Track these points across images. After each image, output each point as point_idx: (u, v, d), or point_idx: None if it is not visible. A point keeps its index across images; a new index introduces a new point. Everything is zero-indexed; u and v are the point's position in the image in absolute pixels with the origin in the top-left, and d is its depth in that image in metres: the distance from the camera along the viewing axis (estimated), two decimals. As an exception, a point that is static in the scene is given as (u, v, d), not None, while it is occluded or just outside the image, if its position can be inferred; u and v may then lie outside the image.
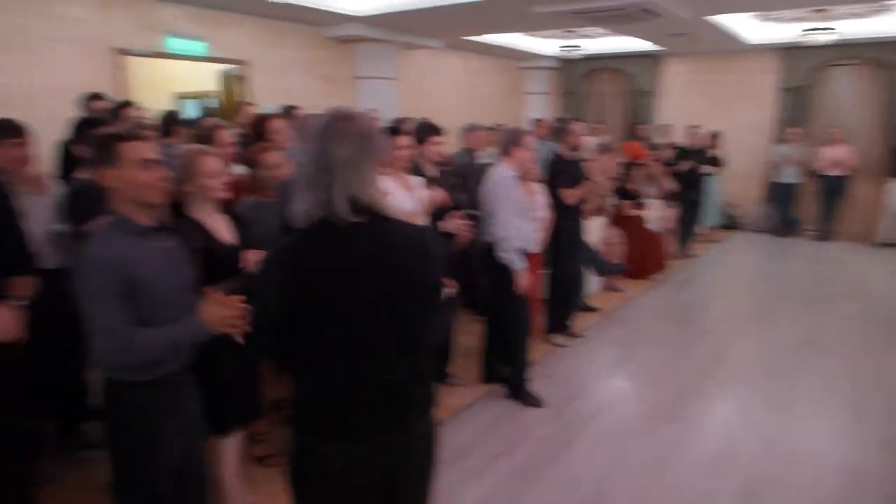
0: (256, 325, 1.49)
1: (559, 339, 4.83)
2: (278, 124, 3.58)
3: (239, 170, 3.30)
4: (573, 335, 4.93)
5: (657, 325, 5.44)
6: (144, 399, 1.81)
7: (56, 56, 5.23)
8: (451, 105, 9.72)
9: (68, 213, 2.76)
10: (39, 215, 2.75)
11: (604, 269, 5.86)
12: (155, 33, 5.93)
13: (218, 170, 2.27)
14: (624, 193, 6.31)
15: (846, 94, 9.14)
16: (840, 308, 5.77)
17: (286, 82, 7.17)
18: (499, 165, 3.66)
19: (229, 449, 2.50)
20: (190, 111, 6.92)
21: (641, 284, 6.44)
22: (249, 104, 5.37)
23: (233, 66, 6.76)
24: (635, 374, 4.38)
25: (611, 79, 11.25)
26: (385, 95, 7.93)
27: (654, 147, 7.40)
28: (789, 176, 9.11)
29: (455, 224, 3.44)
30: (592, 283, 5.76)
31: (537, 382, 3.97)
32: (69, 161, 3.43)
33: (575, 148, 4.61)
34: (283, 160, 2.98)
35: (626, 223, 6.33)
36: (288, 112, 4.83)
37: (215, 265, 2.18)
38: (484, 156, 5.34)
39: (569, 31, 8.89)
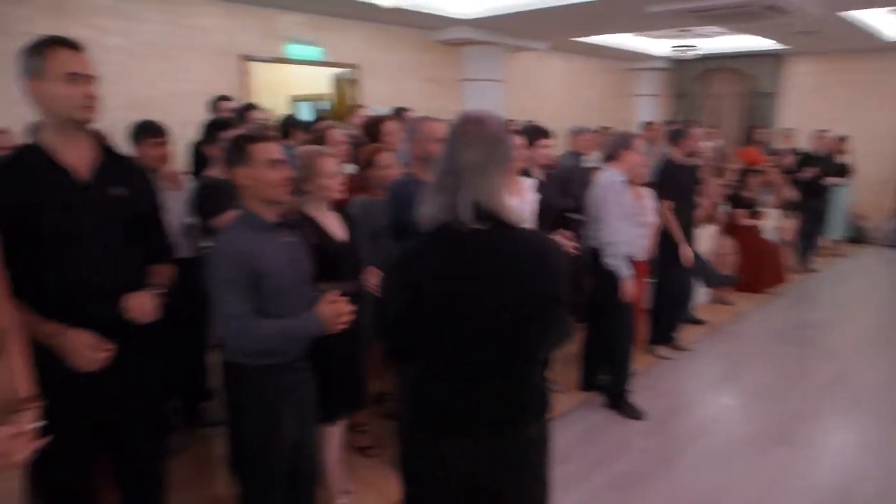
0: (380, 319, 1.52)
1: (663, 350, 4.64)
2: (391, 126, 3.70)
3: (349, 169, 3.43)
4: (678, 348, 4.72)
5: (770, 343, 5.09)
6: (264, 382, 1.94)
7: (189, 63, 5.68)
8: (554, 107, 9.59)
9: (197, 208, 2.99)
10: (174, 209, 3.00)
11: (714, 280, 5.57)
12: (276, 40, 6.30)
13: (335, 170, 2.38)
14: (738, 201, 5.97)
15: None
16: None
17: (395, 85, 7.37)
18: (607, 169, 3.57)
19: (333, 437, 2.61)
20: (304, 113, 7.29)
21: (754, 299, 6.05)
22: (361, 106, 5.57)
23: (345, 69, 7.04)
24: (744, 392, 4.13)
25: (728, 79, 10.64)
26: (491, 97, 7.96)
27: (773, 152, 6.94)
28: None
29: (561, 239, 3.40)
30: (701, 294, 5.50)
31: (639, 394, 3.84)
32: (200, 160, 3.71)
33: (692, 154, 4.41)
34: (394, 161, 3.07)
35: (739, 233, 5.97)
36: (399, 114, 4.96)
37: (328, 261, 2.29)
38: (590, 159, 5.24)
39: (683, 31, 8.51)
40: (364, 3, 5.81)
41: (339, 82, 7.21)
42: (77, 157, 1.77)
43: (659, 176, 4.25)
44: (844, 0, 5.98)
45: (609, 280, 3.49)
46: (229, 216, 2.08)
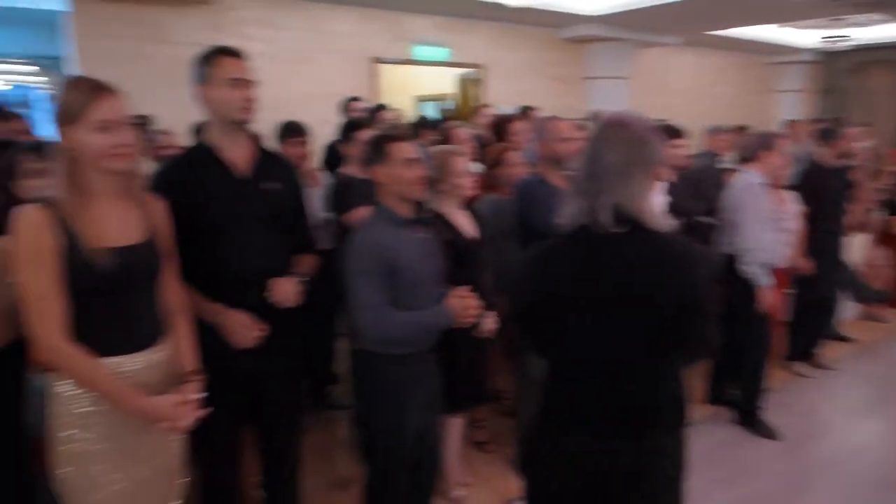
0: (514, 313, 1.54)
1: (802, 368, 4.29)
2: (518, 125, 3.72)
3: (475, 167, 3.49)
4: (820, 366, 4.34)
5: (930, 367, 4.55)
6: (393, 371, 2.03)
7: (324, 66, 6.04)
8: (683, 105, 9.12)
9: (333, 204, 3.17)
10: (312, 205, 3.21)
11: (864, 294, 5.07)
12: (404, 42, 6.53)
13: (466, 169, 2.44)
14: (894, 208, 5.37)
15: None
16: None
17: (519, 84, 7.37)
18: (746, 171, 3.36)
19: (455, 429, 2.67)
20: (428, 113, 7.49)
21: (912, 316, 5.43)
22: (486, 106, 5.63)
23: (470, 69, 7.14)
24: (894, 419, 3.72)
25: (886, 73, 9.60)
26: (614, 95, 7.75)
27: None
28: None
29: None
30: (848, 309, 5.02)
31: (773, 412, 3.56)
32: (335, 158, 3.93)
33: (845, 155, 4.04)
34: (521, 160, 3.09)
35: (895, 243, 5.38)
36: (525, 113, 4.97)
37: (458, 257, 2.35)
38: (725, 160, 4.94)
39: (835, 20, 7.78)
40: (491, 3, 5.87)
41: (464, 82, 7.33)
42: (237, 155, 1.96)
43: (802, 179, 3.92)
44: None
45: (745, 288, 3.28)
46: (362, 212, 2.20)
